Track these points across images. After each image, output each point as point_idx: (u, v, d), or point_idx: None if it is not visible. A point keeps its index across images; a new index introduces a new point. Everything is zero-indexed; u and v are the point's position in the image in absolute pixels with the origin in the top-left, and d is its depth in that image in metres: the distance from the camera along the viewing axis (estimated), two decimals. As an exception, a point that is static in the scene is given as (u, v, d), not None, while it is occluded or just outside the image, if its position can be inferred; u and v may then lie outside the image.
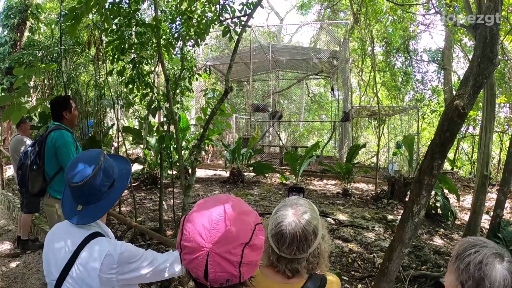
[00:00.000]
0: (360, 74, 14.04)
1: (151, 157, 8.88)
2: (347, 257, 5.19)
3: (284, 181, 9.37)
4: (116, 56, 4.43)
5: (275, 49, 12.68)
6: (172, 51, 4.59)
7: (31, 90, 8.49)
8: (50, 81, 7.79)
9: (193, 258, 0.89)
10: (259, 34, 12.56)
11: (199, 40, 4.46)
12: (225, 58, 13.38)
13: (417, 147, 10.91)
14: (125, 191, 8.36)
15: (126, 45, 4.32)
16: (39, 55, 7.83)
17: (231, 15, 4.27)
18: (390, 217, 6.95)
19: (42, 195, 3.21)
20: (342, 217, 6.65)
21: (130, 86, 4.51)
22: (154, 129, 6.97)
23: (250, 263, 0.92)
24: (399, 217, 7.38)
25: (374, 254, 5.22)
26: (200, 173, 10.35)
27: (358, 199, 8.42)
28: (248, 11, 4.18)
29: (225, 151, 9.97)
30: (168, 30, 4.75)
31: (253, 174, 9.71)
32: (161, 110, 4.57)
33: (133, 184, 8.76)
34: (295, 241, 1.20)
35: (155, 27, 4.17)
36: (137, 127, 8.54)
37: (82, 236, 1.39)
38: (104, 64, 6.72)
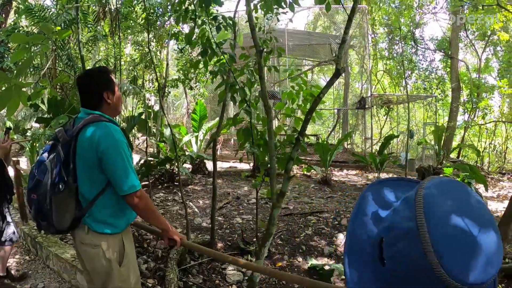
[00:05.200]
0: (362, 61, 13.85)
1: (167, 151, 8.04)
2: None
3: (306, 172, 8.97)
4: (185, 14, 3.54)
5: (283, 34, 11.97)
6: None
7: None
8: (52, 59, 6.47)
9: None
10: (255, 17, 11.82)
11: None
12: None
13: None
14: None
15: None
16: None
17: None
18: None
19: (73, 229, 1.97)
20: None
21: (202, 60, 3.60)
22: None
23: None
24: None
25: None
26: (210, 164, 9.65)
27: (389, 190, 8.20)
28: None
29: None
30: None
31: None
32: (247, 96, 3.76)
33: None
34: None
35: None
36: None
37: None
38: (119, 39, 5.73)
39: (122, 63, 7.15)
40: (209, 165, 9.58)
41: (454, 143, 12.35)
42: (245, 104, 3.83)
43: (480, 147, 11.17)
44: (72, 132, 1.90)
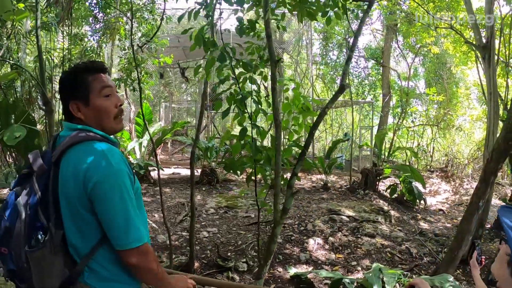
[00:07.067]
0: (296, 65, 14.24)
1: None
2: (385, 252, 5.16)
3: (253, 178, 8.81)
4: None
5: (227, 36, 11.64)
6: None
7: None
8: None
9: None
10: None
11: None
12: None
13: (372, 139, 11.59)
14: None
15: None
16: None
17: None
18: (385, 208, 7.15)
19: None
20: (349, 212, 6.53)
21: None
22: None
23: None
24: (390, 207, 7.69)
25: (405, 245, 5.37)
26: (154, 171, 8.92)
27: (336, 192, 8.44)
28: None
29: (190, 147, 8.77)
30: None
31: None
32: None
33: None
34: None
35: None
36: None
37: None
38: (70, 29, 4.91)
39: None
40: (154, 173, 8.86)
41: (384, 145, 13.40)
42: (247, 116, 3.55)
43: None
44: (51, 158, 1.29)
